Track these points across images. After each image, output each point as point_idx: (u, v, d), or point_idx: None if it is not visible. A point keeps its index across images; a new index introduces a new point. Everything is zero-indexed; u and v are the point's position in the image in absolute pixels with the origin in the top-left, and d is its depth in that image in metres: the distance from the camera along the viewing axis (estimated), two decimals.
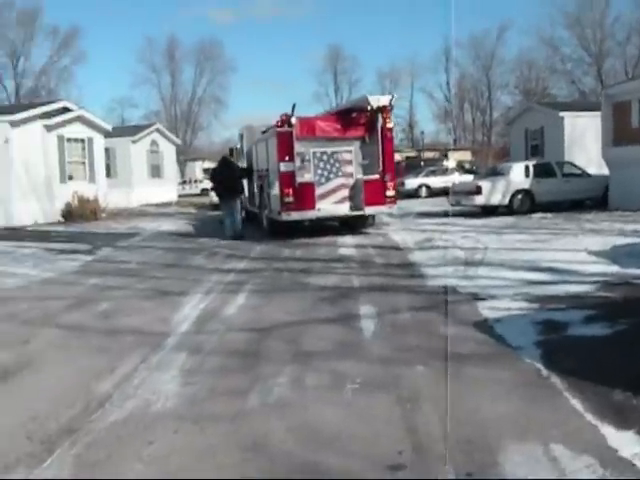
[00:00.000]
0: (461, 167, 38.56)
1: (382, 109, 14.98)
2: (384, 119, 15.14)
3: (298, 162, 15.05)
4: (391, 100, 15.01)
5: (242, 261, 12.31)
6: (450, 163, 39.19)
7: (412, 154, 52.07)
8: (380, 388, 4.85)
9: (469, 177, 28.08)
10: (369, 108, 15.00)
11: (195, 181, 50.11)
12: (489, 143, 65.41)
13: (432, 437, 3.91)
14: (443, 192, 28.12)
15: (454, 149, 57.49)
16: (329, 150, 15.35)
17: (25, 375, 5.78)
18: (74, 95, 63.11)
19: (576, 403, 4.31)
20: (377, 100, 14.90)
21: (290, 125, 14.78)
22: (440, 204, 22.79)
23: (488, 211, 19.41)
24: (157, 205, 32.10)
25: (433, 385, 4.85)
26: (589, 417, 4.06)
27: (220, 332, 6.94)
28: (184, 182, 50.32)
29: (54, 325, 7.62)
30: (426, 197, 31.25)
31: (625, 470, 3.37)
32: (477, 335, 6.13)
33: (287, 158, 14.80)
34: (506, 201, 19.07)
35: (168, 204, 33.29)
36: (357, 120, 15.52)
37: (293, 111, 15.16)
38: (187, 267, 11.92)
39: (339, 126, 15.42)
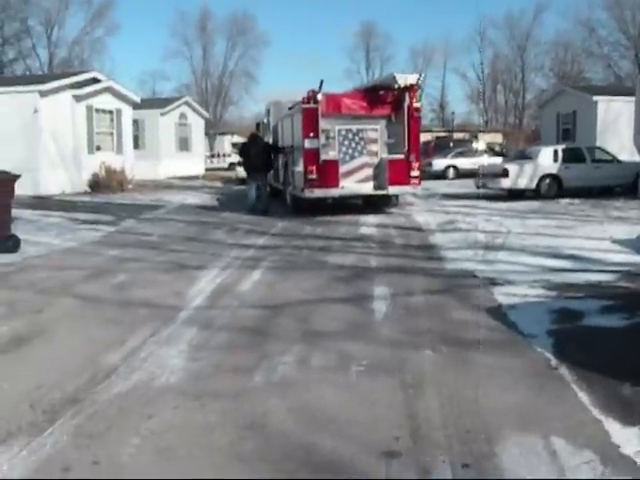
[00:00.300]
0: (491, 149, 38.04)
1: (409, 88, 14.79)
2: (411, 98, 14.96)
3: (323, 139, 14.95)
4: (419, 79, 14.82)
5: (262, 237, 12.29)
6: (480, 145, 38.64)
7: (442, 134, 51.47)
8: (385, 371, 4.80)
9: (498, 159, 27.70)
10: (396, 86, 14.81)
11: (223, 155, 50.00)
12: (520, 126, 64.45)
13: (432, 425, 3.86)
14: (471, 174, 27.71)
15: (485, 131, 56.75)
16: (354, 128, 15.22)
17: (36, 344, 5.81)
18: (106, 67, 63.36)
19: (583, 396, 4.22)
20: (405, 79, 14.69)
21: (316, 101, 14.66)
22: (467, 186, 22.54)
23: (515, 195, 19.13)
24: (184, 178, 32.17)
25: (439, 371, 4.78)
26: (595, 411, 3.97)
27: (232, 308, 6.93)
28: (212, 156, 50.29)
29: (70, 295, 7.66)
30: (453, 178, 30.92)
31: (626, 468, 3.28)
32: (490, 321, 6.03)
33: (312, 135, 14.70)
34: (533, 185, 18.77)
35: (195, 177, 33.36)
36: (384, 98, 15.34)
37: (321, 87, 15.04)
38: (207, 241, 11.93)
39: (365, 104, 15.26)
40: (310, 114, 14.69)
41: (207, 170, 38.96)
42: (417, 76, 14.89)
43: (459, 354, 5.14)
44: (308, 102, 14.76)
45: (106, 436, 3.90)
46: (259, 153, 16.85)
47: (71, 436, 3.89)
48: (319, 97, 14.63)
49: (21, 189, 20.22)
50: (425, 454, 3.51)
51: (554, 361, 4.92)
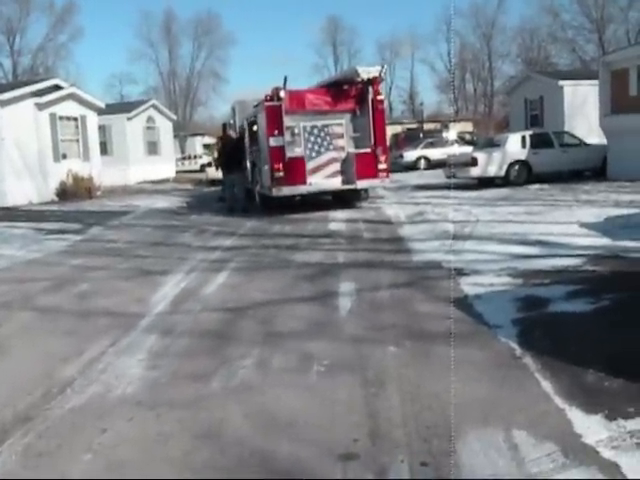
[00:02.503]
0: (461, 138, 38.09)
1: (372, 81, 14.68)
2: (374, 91, 14.87)
3: (288, 136, 14.81)
4: (381, 71, 14.68)
5: (230, 238, 12.14)
6: (450, 134, 38.65)
7: (413, 125, 51.48)
8: (347, 370, 4.68)
9: (469, 148, 27.71)
10: (359, 80, 14.70)
11: (195, 157, 49.68)
12: (490, 114, 64.74)
13: (392, 423, 3.75)
14: (442, 164, 27.72)
15: (455, 120, 56.86)
16: (319, 123, 15.09)
17: None
18: (72, 72, 62.84)
19: (546, 385, 4.13)
20: (367, 72, 14.55)
21: (279, 99, 14.52)
22: (438, 176, 22.50)
23: (485, 183, 19.10)
24: (154, 182, 31.80)
25: (402, 367, 4.68)
26: (557, 400, 3.88)
27: (195, 312, 6.79)
28: (183, 158, 49.94)
29: (29, 308, 7.47)
30: (425, 169, 30.91)
31: (587, 458, 3.19)
32: (455, 313, 5.91)
33: (276, 132, 14.56)
34: (502, 172, 18.77)
35: (166, 181, 33.04)
36: (347, 92, 15.23)
37: (285, 84, 14.90)
38: (174, 245, 11.76)
39: (329, 99, 15.14)
40: (273, 111, 14.54)
41: (178, 173, 38.63)
42: (379, 68, 14.76)
43: (422, 348, 5.05)
44: (271, 99, 14.61)
45: (57, 454, 3.76)
46: (235, 152, 16.72)
47: (20, 456, 3.75)
48: (282, 94, 14.48)
49: None
50: (383, 454, 3.40)
51: (518, 350, 4.84)
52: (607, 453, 3.25)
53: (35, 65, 62.45)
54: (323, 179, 15.13)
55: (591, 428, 3.50)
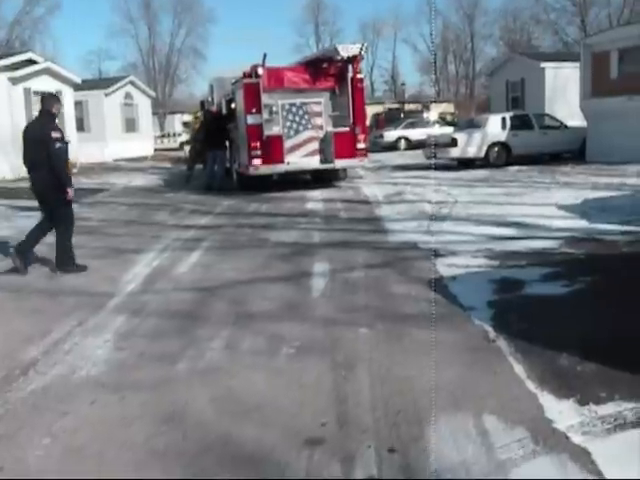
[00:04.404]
0: (442, 119, 38.04)
1: (352, 59, 14.49)
2: (354, 69, 14.69)
3: (266, 114, 14.60)
4: (361, 49, 14.47)
5: (205, 217, 11.97)
6: (431, 115, 38.61)
7: (394, 106, 51.27)
8: (317, 353, 4.58)
9: (450, 129, 27.64)
10: (339, 58, 14.50)
11: (174, 134, 49.14)
12: (472, 95, 64.63)
13: (361, 407, 3.65)
14: (423, 145, 27.64)
15: (436, 101, 56.73)
16: (298, 102, 14.91)
17: None
18: (49, 47, 61.94)
19: (519, 369, 4.06)
20: (347, 49, 14.34)
21: (257, 76, 14.30)
22: (418, 157, 22.43)
23: (464, 164, 19.08)
24: (132, 160, 31.37)
25: (374, 349, 4.59)
26: (530, 385, 3.81)
27: (166, 292, 6.65)
28: (162, 136, 49.40)
29: None
30: (405, 149, 30.84)
31: (558, 444, 3.12)
32: (429, 294, 5.84)
33: (254, 110, 14.35)
34: (482, 154, 18.71)
35: (144, 158, 32.63)
36: (327, 71, 15.05)
37: (264, 61, 14.67)
38: (148, 223, 11.56)
39: (308, 77, 14.95)
40: (251, 89, 14.32)
41: (157, 150, 38.19)
42: (359, 46, 14.53)
43: (395, 330, 4.95)
44: (249, 77, 14.39)
45: (15, 438, 3.62)
46: (216, 128, 16.49)
47: None
48: (260, 71, 14.26)
49: None
50: (351, 440, 3.30)
51: (492, 333, 4.76)
52: (577, 439, 3.18)
53: (11, 39, 61.10)
54: (301, 158, 14.97)
55: (562, 413, 3.43)
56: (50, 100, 7.67)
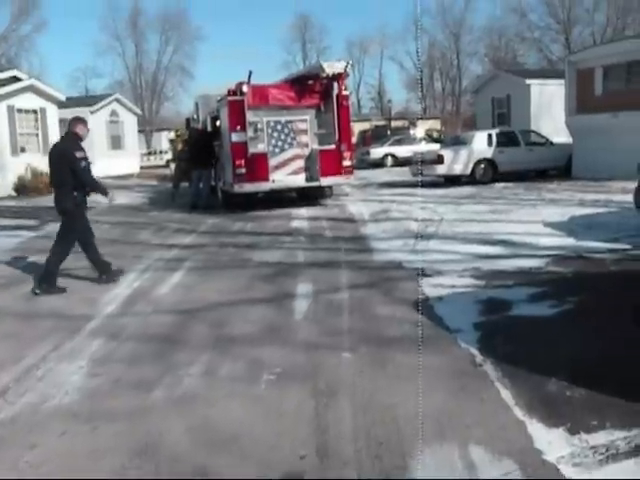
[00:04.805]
0: (429, 136, 38.06)
1: (337, 76, 14.38)
2: (339, 86, 14.61)
3: (251, 132, 14.48)
4: (346, 67, 14.38)
5: (189, 236, 11.80)
6: (418, 132, 38.63)
7: (381, 123, 51.39)
8: (298, 379, 4.42)
9: (436, 146, 27.63)
10: (324, 75, 14.40)
11: (160, 152, 48.96)
12: (458, 112, 64.87)
13: (342, 438, 3.50)
14: (409, 162, 27.62)
15: (423, 118, 56.89)
16: (283, 119, 14.80)
17: None
18: (35, 64, 61.59)
19: (506, 395, 3.92)
20: (332, 67, 14.23)
21: (242, 93, 14.18)
22: (404, 174, 22.37)
23: (451, 181, 19.00)
24: (117, 177, 31.13)
25: (356, 375, 4.44)
26: (517, 412, 3.67)
27: (145, 314, 6.48)
28: (149, 153, 49.25)
29: None
30: (392, 166, 30.77)
31: (548, 478, 2.98)
32: (414, 316, 5.69)
33: (239, 128, 14.22)
34: (468, 171, 18.66)
35: (130, 176, 32.41)
36: (312, 88, 14.95)
37: (249, 79, 14.56)
38: (131, 243, 11.38)
39: (293, 94, 14.85)
40: (236, 106, 14.20)
41: (143, 168, 38.01)
42: (344, 64, 14.45)
43: (379, 355, 4.80)
44: (234, 94, 14.28)
45: None
46: (202, 146, 16.33)
47: None
48: (245, 89, 14.14)
49: None
50: (331, 473, 3.15)
51: (479, 357, 4.63)
52: (569, 471, 3.05)
53: None
54: (286, 176, 14.84)
55: (552, 443, 3.29)
56: (75, 122, 7.96)
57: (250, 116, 14.36)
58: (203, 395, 4.27)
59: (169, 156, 41.39)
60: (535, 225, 10.34)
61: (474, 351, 4.76)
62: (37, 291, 7.67)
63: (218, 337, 5.53)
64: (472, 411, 3.74)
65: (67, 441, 3.76)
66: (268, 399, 4.13)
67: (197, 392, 4.34)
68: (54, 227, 13.87)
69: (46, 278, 7.79)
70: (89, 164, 7.81)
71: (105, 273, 8.17)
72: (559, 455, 3.16)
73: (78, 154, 7.59)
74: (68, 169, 7.59)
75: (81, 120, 8.14)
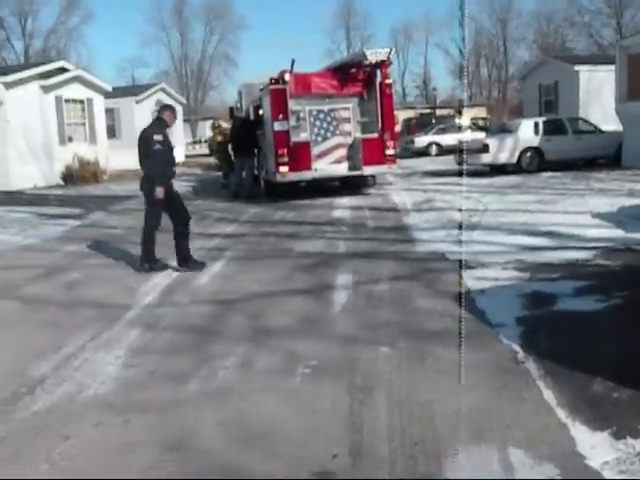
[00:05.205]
0: (474, 124, 37.46)
1: (380, 64, 14.21)
2: (383, 74, 14.43)
3: (293, 121, 14.41)
4: (389, 54, 14.19)
5: (231, 225, 11.80)
6: (463, 120, 38.04)
7: (426, 111, 50.83)
8: (333, 373, 4.33)
9: (482, 134, 27.17)
10: (367, 63, 14.24)
11: (205, 141, 49.23)
12: (504, 99, 63.85)
13: (376, 436, 3.40)
14: (454, 150, 27.23)
15: (469, 105, 56.07)
16: (325, 108, 14.69)
17: None
18: (84, 55, 62.71)
19: (549, 395, 3.77)
20: (375, 54, 14.05)
21: (284, 82, 14.12)
22: (449, 163, 22.03)
23: (496, 170, 18.65)
24: None
25: (393, 370, 4.33)
26: (560, 413, 3.52)
27: (183, 305, 6.47)
28: (194, 142, 49.58)
29: (13, 297, 7.16)
30: (436, 155, 30.40)
31: None
32: (456, 309, 5.54)
33: (281, 116, 14.16)
34: (514, 159, 18.29)
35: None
36: (355, 76, 14.80)
37: (292, 67, 14.50)
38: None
39: (336, 82, 14.72)
40: (278, 95, 14.14)
41: (188, 157, 38.28)
42: (388, 51, 14.26)
43: (417, 349, 4.69)
44: (276, 83, 14.21)
45: (12, 462, 3.45)
46: (245, 135, 16.32)
47: None
48: (287, 77, 14.08)
49: None
50: (363, 473, 3.06)
51: (521, 354, 4.47)
52: (613, 478, 2.89)
53: (47, 47, 62.09)
54: (329, 165, 14.75)
55: (596, 448, 3.13)
56: (164, 109, 8.44)
57: (292, 105, 14.29)
58: (237, 388, 4.22)
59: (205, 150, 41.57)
60: (582, 216, 10.05)
61: (516, 347, 4.60)
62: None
63: (255, 328, 5.48)
64: (512, 411, 3.60)
65: (100, 433, 3.74)
66: (302, 394, 4.06)
67: (231, 385, 4.28)
68: (98, 216, 14.18)
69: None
70: (167, 148, 8.01)
71: (147, 262, 8.20)
72: (603, 461, 3.01)
73: (156, 137, 7.84)
74: (146, 149, 7.91)
75: (169, 107, 8.57)
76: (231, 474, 3.17)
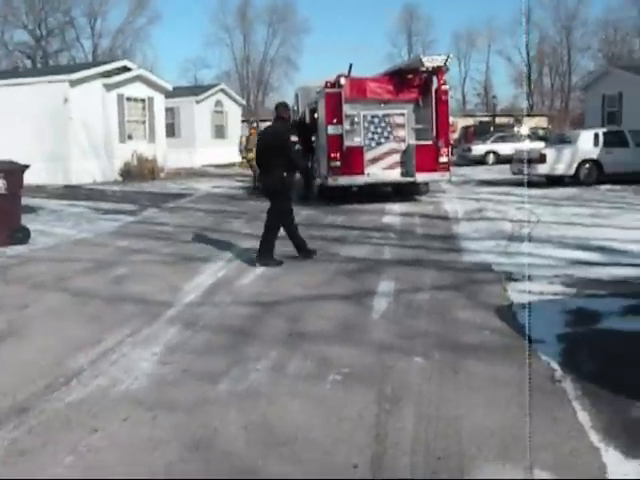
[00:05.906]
0: (534, 134, 36.81)
1: (437, 70, 14.11)
2: (439, 81, 14.30)
3: (347, 125, 14.42)
4: (446, 60, 14.06)
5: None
6: (522, 129, 37.43)
7: (485, 119, 50.21)
8: (364, 382, 4.28)
9: (541, 144, 26.67)
10: (423, 69, 14.14)
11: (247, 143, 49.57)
12: (567, 109, 62.55)
13: (399, 448, 3.34)
14: (511, 160, 26.80)
15: (530, 115, 55.20)
16: (380, 113, 14.64)
17: (8, 344, 5.48)
18: (149, 55, 63.92)
19: (583, 417, 3.63)
20: (431, 60, 13.98)
21: (339, 86, 14.12)
22: (505, 172, 21.65)
23: (553, 181, 18.28)
24: (219, 166, 31.82)
25: (425, 382, 4.25)
26: (593, 437, 3.39)
27: (224, 305, 6.50)
28: None
29: (62, 289, 7.33)
30: (493, 164, 29.95)
31: None
32: (495, 323, 5.46)
33: (335, 120, 14.18)
34: (572, 171, 17.88)
35: (231, 165, 32.96)
36: (411, 82, 14.72)
37: (349, 71, 14.50)
38: (223, 231, 11.51)
39: (391, 88, 14.67)
40: (333, 99, 14.16)
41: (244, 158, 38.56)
42: (444, 57, 14.13)
43: (451, 362, 4.60)
44: (332, 86, 14.23)
45: (38, 453, 3.51)
46: (300, 138, 16.32)
47: (2, 452, 3.50)
48: (342, 81, 14.07)
49: (53, 179, 20.37)
50: None
51: (559, 372, 4.34)
52: None
53: (114, 47, 63.61)
54: (381, 170, 14.69)
55: (629, 477, 3.01)
56: (281, 107, 8.55)
57: (347, 109, 14.29)
58: (266, 392, 4.20)
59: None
60: (638, 232, 9.74)
61: (554, 365, 4.47)
62: (257, 264, 8.22)
63: (291, 332, 5.47)
64: (543, 431, 3.48)
65: (127, 428, 3.77)
66: (331, 401, 4.01)
67: (260, 388, 4.27)
68: (151, 213, 14.41)
69: (264, 253, 8.32)
70: (300, 148, 8.24)
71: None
72: None
73: (292, 137, 8.17)
74: (280, 151, 8.05)
75: (285, 105, 8.71)
76: (248, 477, 3.15)
